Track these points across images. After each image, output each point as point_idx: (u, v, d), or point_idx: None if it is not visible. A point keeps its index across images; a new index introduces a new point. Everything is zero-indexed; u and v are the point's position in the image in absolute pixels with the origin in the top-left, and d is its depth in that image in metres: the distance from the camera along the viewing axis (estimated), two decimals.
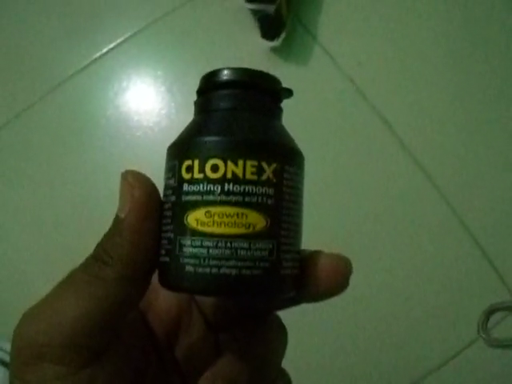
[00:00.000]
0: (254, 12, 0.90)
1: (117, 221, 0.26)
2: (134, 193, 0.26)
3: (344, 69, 0.92)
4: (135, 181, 0.26)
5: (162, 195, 0.28)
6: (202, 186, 0.25)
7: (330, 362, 0.84)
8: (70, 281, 0.26)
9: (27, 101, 0.99)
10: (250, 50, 0.94)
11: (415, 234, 0.87)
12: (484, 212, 0.86)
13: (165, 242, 0.26)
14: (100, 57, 1.00)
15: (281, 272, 0.26)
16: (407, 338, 0.85)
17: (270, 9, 0.86)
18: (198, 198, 0.25)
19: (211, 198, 0.25)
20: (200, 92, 0.29)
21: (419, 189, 0.88)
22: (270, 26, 0.90)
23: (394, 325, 0.85)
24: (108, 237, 0.26)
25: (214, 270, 0.25)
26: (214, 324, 0.32)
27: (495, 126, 0.90)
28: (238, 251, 0.25)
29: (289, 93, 0.30)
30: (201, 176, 0.25)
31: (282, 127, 0.29)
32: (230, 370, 0.28)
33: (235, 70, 0.28)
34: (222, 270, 0.25)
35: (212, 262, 0.25)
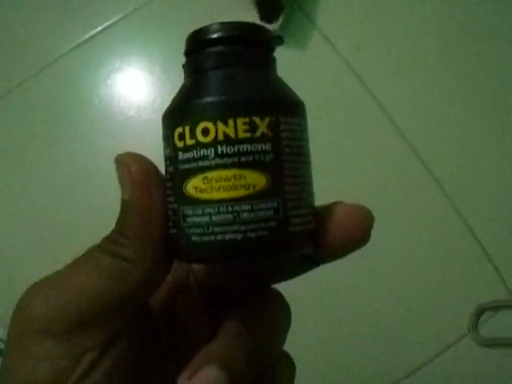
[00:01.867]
0: None
1: (123, 203, 0.25)
2: (130, 171, 0.25)
3: (342, 53, 0.92)
4: (130, 160, 0.25)
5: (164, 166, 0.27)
6: (195, 152, 0.24)
7: (320, 353, 0.84)
8: (88, 258, 0.25)
9: (19, 78, 0.97)
10: None
11: (412, 225, 0.87)
12: (482, 205, 0.86)
13: (170, 213, 0.25)
14: (94, 35, 0.98)
15: (290, 229, 0.24)
16: (399, 330, 0.84)
17: None
18: (194, 165, 0.24)
19: (206, 163, 0.24)
20: (186, 53, 0.28)
21: (416, 177, 0.87)
22: (268, 9, 0.89)
23: (387, 317, 0.84)
24: (120, 220, 0.26)
25: (219, 237, 0.24)
26: (213, 300, 0.31)
27: (495, 112, 0.89)
28: (241, 214, 0.24)
29: (279, 40, 0.28)
30: (193, 142, 0.24)
31: (277, 78, 0.27)
32: (225, 350, 0.26)
33: (219, 26, 0.27)
34: (228, 236, 0.24)
35: (216, 229, 0.24)
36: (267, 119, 0.24)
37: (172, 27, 0.97)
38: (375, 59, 0.92)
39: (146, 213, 0.25)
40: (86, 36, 0.98)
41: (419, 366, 0.82)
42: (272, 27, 0.91)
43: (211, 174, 0.24)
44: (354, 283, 0.83)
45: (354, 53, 0.92)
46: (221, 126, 0.24)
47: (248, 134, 0.24)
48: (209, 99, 0.24)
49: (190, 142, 0.24)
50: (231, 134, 0.24)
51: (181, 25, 0.97)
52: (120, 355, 0.26)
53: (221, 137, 0.24)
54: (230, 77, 0.25)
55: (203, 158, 0.24)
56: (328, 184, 0.87)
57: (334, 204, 0.26)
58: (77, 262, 0.26)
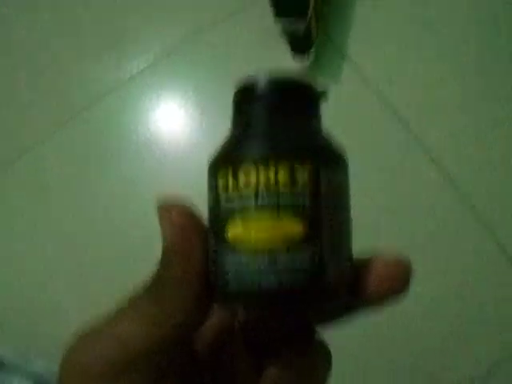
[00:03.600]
0: (284, 30, 0.89)
1: (163, 248, 0.26)
2: (171, 218, 0.25)
3: (375, 86, 0.92)
4: (171, 207, 0.26)
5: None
6: (237, 198, 0.24)
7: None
8: (132, 305, 0.26)
9: (62, 119, 1.01)
10: (280, 68, 0.93)
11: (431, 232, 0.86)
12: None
13: (210, 259, 0.26)
14: (133, 77, 1.02)
15: (325, 279, 0.24)
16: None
17: (300, 26, 0.86)
18: (235, 210, 0.24)
19: (247, 209, 0.24)
20: (235, 104, 0.28)
21: (459, 219, 0.87)
22: (299, 44, 0.90)
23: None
24: (161, 266, 0.26)
25: (255, 284, 0.24)
26: (258, 347, 0.31)
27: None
28: (278, 263, 0.24)
29: (323, 95, 0.29)
30: (235, 190, 0.24)
31: (320, 130, 0.28)
32: None
33: (266, 79, 0.27)
34: (263, 283, 0.24)
35: (252, 276, 0.24)
36: (308, 168, 0.24)
37: (207, 68, 1.00)
38: (408, 91, 0.92)
39: (186, 258, 0.25)
40: (124, 79, 1.02)
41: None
42: (303, 60, 0.92)
43: (251, 221, 0.24)
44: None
45: (386, 85, 0.92)
46: (262, 171, 0.24)
47: (288, 181, 0.24)
48: (252, 148, 0.25)
49: (232, 187, 0.25)
50: (272, 179, 0.24)
51: (215, 66, 0.99)
52: None
53: (262, 185, 0.24)
54: (274, 127, 0.26)
55: (244, 203, 0.24)
56: (357, 209, 0.87)
57: (374, 256, 0.26)
58: (120, 310, 0.26)
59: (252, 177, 0.24)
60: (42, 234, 0.97)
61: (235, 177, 0.24)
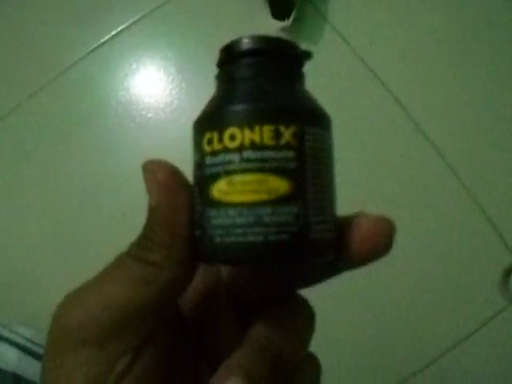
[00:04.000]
0: None
1: (150, 209, 0.26)
2: (156, 177, 0.26)
3: (355, 49, 0.92)
4: (156, 166, 0.26)
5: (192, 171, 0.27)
6: (222, 156, 0.25)
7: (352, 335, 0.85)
8: (118, 265, 0.26)
9: (38, 83, 0.99)
10: (260, 30, 0.92)
11: (424, 209, 0.87)
12: (493, 185, 0.86)
13: (196, 216, 0.26)
14: (110, 39, 1.00)
15: (310, 236, 0.25)
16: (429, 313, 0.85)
17: None
18: (220, 168, 0.25)
19: (231, 167, 0.25)
20: (219, 64, 0.29)
21: (430, 164, 0.88)
22: (280, 6, 0.90)
23: (415, 303, 0.86)
24: (147, 226, 0.26)
25: (241, 239, 0.24)
26: (241, 305, 0.31)
27: (506, 103, 0.89)
28: (263, 218, 0.24)
29: (308, 55, 0.29)
30: (220, 147, 0.25)
31: (304, 91, 0.28)
32: (250, 359, 0.27)
33: (251, 39, 0.27)
34: (249, 238, 0.24)
35: (238, 231, 0.24)
36: (292, 128, 0.25)
37: (186, 29, 0.98)
38: (389, 54, 0.92)
39: (172, 216, 0.26)
40: (102, 40, 1.00)
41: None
42: (284, 24, 0.92)
43: (235, 178, 0.25)
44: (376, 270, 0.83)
45: (367, 48, 0.92)
46: (247, 132, 0.25)
47: (273, 142, 0.25)
48: (237, 107, 0.25)
49: (217, 146, 0.25)
50: (257, 140, 0.25)
51: (194, 26, 0.98)
52: (152, 359, 0.27)
53: (247, 142, 0.25)
54: (259, 87, 0.26)
55: (229, 162, 0.25)
56: (341, 176, 0.88)
57: (357, 215, 0.27)
58: (107, 270, 0.26)
59: (237, 138, 0.25)
60: (19, 204, 0.96)
61: (221, 137, 0.25)
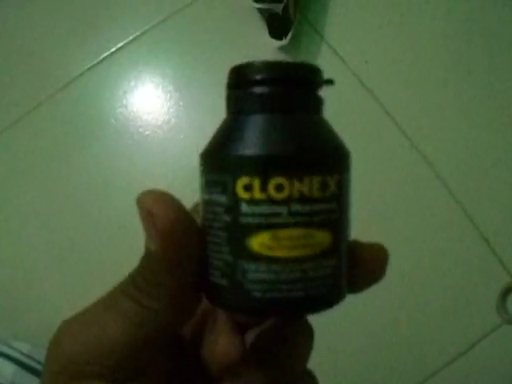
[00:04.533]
0: (262, 11, 0.90)
1: (148, 253, 0.24)
2: (155, 223, 0.23)
3: (352, 67, 0.93)
4: (153, 206, 0.23)
5: (201, 207, 0.25)
6: (265, 207, 0.23)
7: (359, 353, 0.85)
8: (114, 303, 0.25)
9: (36, 99, 0.99)
10: (258, 50, 0.94)
11: (421, 228, 0.87)
12: (489, 205, 0.87)
13: (218, 263, 0.24)
14: (109, 56, 1.00)
15: (343, 283, 0.25)
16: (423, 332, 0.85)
17: (278, 8, 0.86)
18: (262, 220, 0.23)
19: (277, 220, 0.23)
20: (236, 86, 0.26)
21: (426, 184, 0.88)
22: (277, 25, 0.90)
23: (409, 320, 0.86)
24: (146, 265, 0.25)
25: (285, 294, 0.23)
26: (240, 323, 0.31)
27: (502, 124, 0.90)
28: (307, 273, 0.23)
29: (331, 82, 0.27)
30: (263, 196, 0.23)
31: (329, 123, 0.26)
32: (251, 375, 0.27)
33: (289, 66, 0.25)
34: (293, 294, 0.23)
35: (282, 287, 0.23)
36: (336, 177, 0.24)
37: (184, 46, 0.99)
38: (384, 72, 0.93)
39: (174, 266, 0.24)
40: (101, 57, 1.00)
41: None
42: (281, 43, 0.92)
43: (282, 233, 0.23)
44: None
45: (363, 66, 0.93)
46: (296, 183, 0.23)
47: (321, 193, 0.23)
48: (282, 151, 0.23)
49: (259, 195, 0.23)
50: (306, 192, 0.23)
51: (193, 44, 0.98)
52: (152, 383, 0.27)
53: (296, 195, 0.23)
54: (296, 125, 0.24)
55: (274, 214, 0.23)
56: None
57: (355, 245, 0.27)
58: (101, 305, 0.25)
59: (285, 189, 0.23)
60: (16, 218, 0.96)
61: (264, 185, 0.23)
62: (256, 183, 0.23)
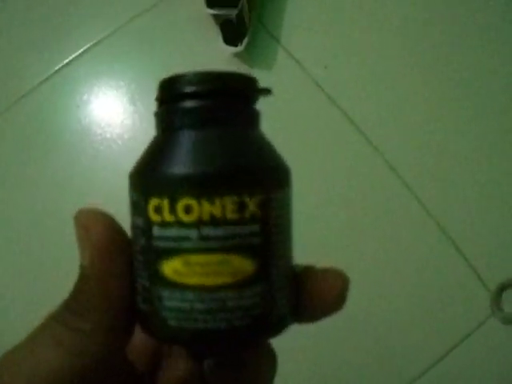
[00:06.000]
0: (216, 17, 0.88)
1: (82, 269, 0.24)
2: (90, 237, 0.23)
3: (310, 72, 0.91)
4: (90, 222, 0.23)
5: (130, 229, 0.24)
6: (175, 230, 0.21)
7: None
8: (47, 332, 0.24)
9: None
10: (213, 57, 0.92)
11: (394, 235, 0.86)
12: (462, 218, 0.86)
13: (140, 288, 0.23)
14: (61, 68, 0.97)
15: (277, 313, 0.23)
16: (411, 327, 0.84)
17: (232, 13, 0.85)
18: (172, 244, 0.21)
19: (188, 245, 0.21)
20: (160, 101, 0.24)
21: (389, 188, 0.87)
22: (232, 32, 0.89)
23: (401, 313, 0.85)
24: (78, 287, 0.24)
25: (201, 325, 0.21)
26: (198, 352, 0.29)
27: (468, 124, 0.89)
28: (226, 302, 0.21)
29: (267, 92, 0.24)
30: (172, 219, 0.21)
31: (262, 138, 0.24)
32: None
33: (201, 76, 0.23)
34: (210, 325, 0.21)
35: (198, 316, 0.21)
36: (258, 197, 0.22)
37: (139, 56, 0.96)
38: (344, 77, 0.92)
39: (107, 283, 0.23)
40: (52, 70, 0.97)
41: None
42: (237, 49, 0.90)
43: (194, 258, 0.21)
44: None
45: (322, 72, 0.91)
46: (206, 205, 0.21)
47: (236, 215, 0.21)
48: (191, 170, 0.21)
49: (168, 218, 0.21)
50: (217, 214, 0.21)
51: (148, 54, 0.96)
52: None
53: (206, 217, 0.21)
54: (214, 141, 0.22)
55: (184, 238, 0.21)
56: (300, 204, 0.86)
57: (309, 271, 0.25)
58: (36, 336, 0.24)
59: (194, 211, 0.21)
60: None
61: (173, 207, 0.21)
62: (165, 204, 0.21)
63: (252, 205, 0.21)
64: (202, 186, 0.21)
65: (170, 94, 0.23)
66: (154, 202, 0.22)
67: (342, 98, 0.90)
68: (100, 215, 0.23)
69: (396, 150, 0.88)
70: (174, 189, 0.21)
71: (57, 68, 0.97)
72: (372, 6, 0.94)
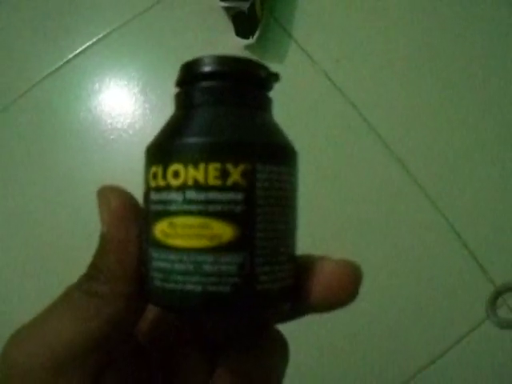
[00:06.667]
0: (228, 10, 0.88)
1: (101, 236, 0.25)
2: (110, 204, 0.25)
3: (322, 66, 0.91)
4: (110, 193, 0.25)
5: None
6: (165, 194, 0.23)
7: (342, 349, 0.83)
8: (65, 299, 0.25)
9: None
10: (224, 49, 0.92)
11: (401, 232, 0.86)
12: (469, 212, 0.86)
13: (142, 251, 0.24)
14: (72, 58, 0.98)
15: (257, 287, 0.23)
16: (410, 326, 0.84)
17: (244, 6, 0.85)
18: (162, 207, 0.23)
19: (174, 207, 0.23)
20: (176, 84, 0.26)
21: (398, 184, 0.87)
22: (244, 24, 0.89)
23: (397, 315, 0.85)
24: (97, 253, 0.25)
25: (180, 286, 0.22)
26: (209, 342, 0.29)
27: (480, 121, 0.89)
28: (203, 266, 0.22)
29: (274, 77, 0.26)
30: (164, 183, 0.23)
31: (267, 120, 0.25)
32: None
33: (209, 59, 0.24)
34: (188, 287, 0.22)
35: (177, 278, 0.22)
36: (241, 166, 0.22)
37: (150, 47, 0.97)
38: (355, 71, 0.92)
39: (121, 247, 0.24)
40: (64, 60, 0.97)
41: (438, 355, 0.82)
42: (248, 42, 0.91)
43: (177, 220, 0.22)
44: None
45: (333, 65, 0.91)
46: (191, 170, 0.22)
47: (219, 182, 0.22)
48: (184, 140, 0.23)
49: (161, 182, 0.23)
50: (201, 179, 0.22)
51: (158, 45, 0.97)
52: None
53: (190, 182, 0.22)
54: (213, 117, 0.24)
55: (171, 201, 0.23)
56: (311, 196, 0.87)
57: (319, 260, 0.25)
58: (53, 304, 0.25)
59: (181, 175, 0.23)
60: None
61: (165, 172, 0.23)
62: (159, 171, 0.23)
63: (236, 173, 0.22)
64: (190, 153, 0.23)
65: (187, 75, 0.25)
66: (153, 169, 0.24)
67: (352, 92, 0.90)
68: (119, 188, 0.26)
69: (406, 144, 0.88)
70: (167, 156, 0.23)
71: (68, 58, 0.98)
72: (387, 5, 0.94)
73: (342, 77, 0.91)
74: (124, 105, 0.95)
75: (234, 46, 0.91)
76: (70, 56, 0.98)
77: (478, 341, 0.83)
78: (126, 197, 0.25)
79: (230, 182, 0.22)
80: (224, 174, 0.22)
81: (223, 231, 0.22)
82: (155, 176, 0.23)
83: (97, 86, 0.96)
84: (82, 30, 0.98)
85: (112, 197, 0.25)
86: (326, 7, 0.95)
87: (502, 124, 0.89)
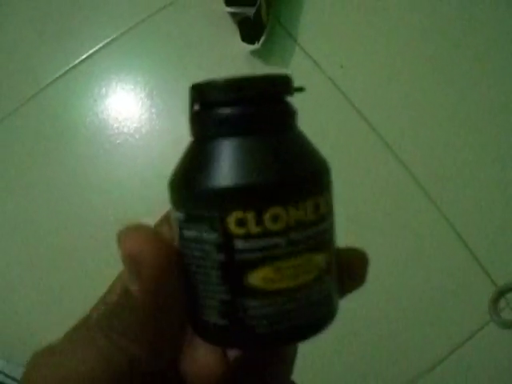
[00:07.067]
0: (234, 15, 0.89)
1: (128, 294, 0.23)
2: (140, 271, 0.21)
3: (326, 71, 0.92)
4: (139, 251, 0.21)
5: (178, 243, 0.23)
6: (263, 241, 0.21)
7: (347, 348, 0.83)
8: (86, 335, 0.24)
9: (5, 110, 0.97)
10: (230, 54, 0.93)
11: (402, 233, 0.87)
12: (471, 213, 0.86)
13: (212, 302, 0.22)
14: (79, 63, 0.98)
15: (336, 297, 0.24)
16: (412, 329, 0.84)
17: (250, 11, 0.85)
18: (261, 254, 0.21)
19: (277, 252, 0.21)
20: (200, 107, 0.23)
21: (402, 187, 0.88)
22: (249, 29, 0.89)
23: (399, 319, 0.85)
24: (125, 305, 0.23)
25: (293, 322, 0.22)
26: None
27: (482, 123, 0.89)
28: (311, 296, 0.22)
29: (301, 90, 0.25)
30: (259, 230, 0.21)
31: (305, 136, 0.24)
32: None
33: (245, 81, 0.22)
34: (297, 322, 0.22)
35: (288, 317, 0.22)
36: (325, 195, 0.23)
37: (156, 52, 0.97)
38: (360, 76, 0.92)
39: (156, 311, 0.22)
40: (70, 65, 0.98)
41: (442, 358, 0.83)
42: (254, 47, 0.91)
43: (284, 264, 0.21)
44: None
45: (338, 70, 0.92)
46: (292, 211, 0.21)
47: (314, 216, 0.22)
48: (271, 178, 0.21)
49: (255, 229, 0.21)
50: (303, 218, 0.22)
51: (165, 50, 0.97)
52: None
53: (292, 223, 0.21)
54: (278, 146, 0.22)
55: (274, 246, 0.21)
56: None
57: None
58: (75, 336, 0.24)
59: (282, 218, 0.21)
60: None
61: (260, 218, 0.21)
62: (250, 217, 0.21)
63: (322, 204, 0.22)
64: (287, 193, 0.21)
65: (233, 96, 0.22)
66: (235, 216, 0.21)
67: (357, 97, 0.90)
68: (147, 239, 0.22)
69: (409, 148, 0.89)
70: (259, 199, 0.21)
71: (75, 63, 0.98)
72: (388, 6, 0.95)
73: (346, 81, 0.91)
74: (130, 109, 0.95)
75: (239, 51, 0.92)
76: (77, 61, 0.98)
77: (481, 342, 0.83)
78: (159, 252, 0.21)
79: (320, 214, 0.22)
80: (316, 208, 0.22)
81: (320, 259, 0.22)
82: (242, 222, 0.21)
83: (103, 90, 0.97)
84: (88, 35, 0.99)
85: (142, 257, 0.21)
86: (331, 13, 0.95)
87: (503, 125, 0.89)
